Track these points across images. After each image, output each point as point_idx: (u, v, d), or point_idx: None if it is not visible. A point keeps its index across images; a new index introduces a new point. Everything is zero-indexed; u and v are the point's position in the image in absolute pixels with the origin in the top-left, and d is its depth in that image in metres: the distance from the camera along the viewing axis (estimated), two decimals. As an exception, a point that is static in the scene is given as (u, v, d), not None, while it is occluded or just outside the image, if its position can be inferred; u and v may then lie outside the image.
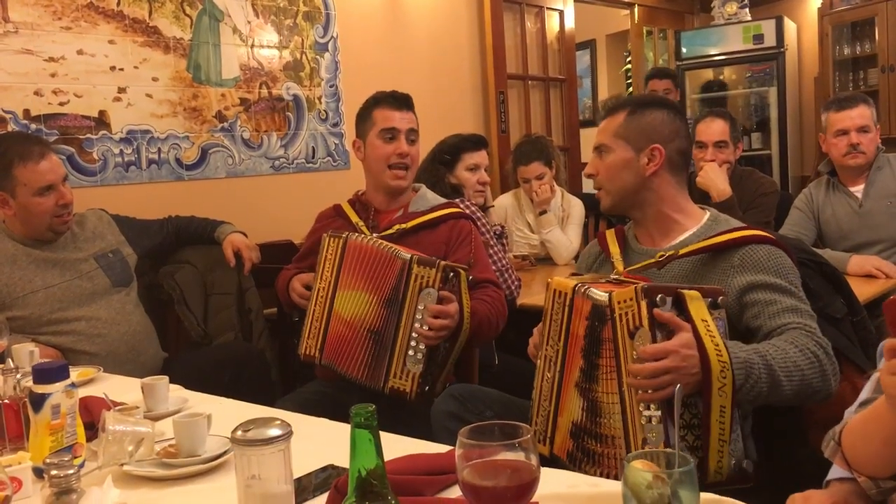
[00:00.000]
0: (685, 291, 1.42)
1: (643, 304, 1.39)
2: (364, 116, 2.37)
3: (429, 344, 1.96)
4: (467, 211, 2.50)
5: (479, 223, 2.57)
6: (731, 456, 1.38)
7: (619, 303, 1.44)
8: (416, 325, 1.96)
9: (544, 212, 3.44)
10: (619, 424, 1.45)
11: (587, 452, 1.52)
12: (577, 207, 3.57)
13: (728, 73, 6.24)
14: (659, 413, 1.37)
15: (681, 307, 1.41)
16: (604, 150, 1.77)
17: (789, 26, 5.90)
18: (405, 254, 2.01)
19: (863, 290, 2.27)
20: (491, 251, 2.62)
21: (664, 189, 1.73)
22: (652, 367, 1.36)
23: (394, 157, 2.29)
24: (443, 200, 2.43)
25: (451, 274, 1.98)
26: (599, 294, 1.51)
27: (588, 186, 4.97)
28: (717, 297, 1.44)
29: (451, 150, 3.06)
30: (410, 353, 1.97)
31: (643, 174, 1.72)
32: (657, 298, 1.39)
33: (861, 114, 2.87)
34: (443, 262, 1.98)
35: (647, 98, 1.87)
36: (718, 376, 1.36)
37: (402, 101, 2.34)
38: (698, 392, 1.38)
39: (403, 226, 2.24)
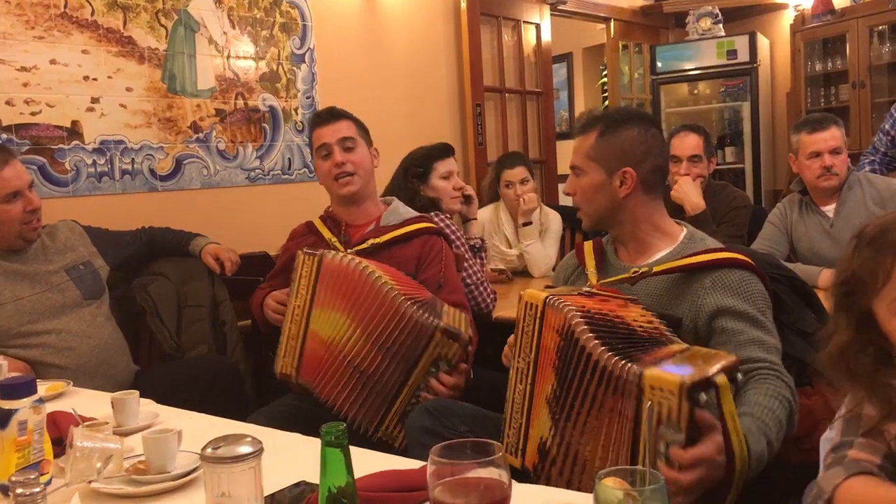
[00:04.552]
0: (719, 381, 1.30)
1: (686, 404, 1.27)
2: (309, 141, 2.45)
3: None
4: (441, 225, 2.50)
5: (452, 237, 2.57)
6: None
7: (652, 387, 1.31)
8: (423, 388, 1.95)
9: (529, 223, 3.45)
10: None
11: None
12: (554, 221, 3.59)
13: (702, 88, 6.32)
14: None
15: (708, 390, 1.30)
16: (578, 171, 1.77)
17: (762, 42, 5.98)
18: (434, 320, 1.92)
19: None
20: (466, 264, 2.63)
21: (639, 210, 1.73)
22: (689, 479, 1.26)
23: (333, 170, 2.32)
24: (415, 214, 2.43)
25: (470, 347, 1.97)
26: (626, 364, 1.36)
27: (565, 199, 5.00)
28: (736, 372, 1.36)
29: (422, 162, 3.05)
30: (409, 410, 1.94)
31: (616, 197, 1.72)
32: (701, 399, 1.28)
33: (833, 135, 2.90)
34: (465, 336, 1.93)
35: (619, 114, 1.80)
36: (739, 475, 1.32)
37: (327, 116, 2.39)
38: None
39: (377, 240, 2.23)
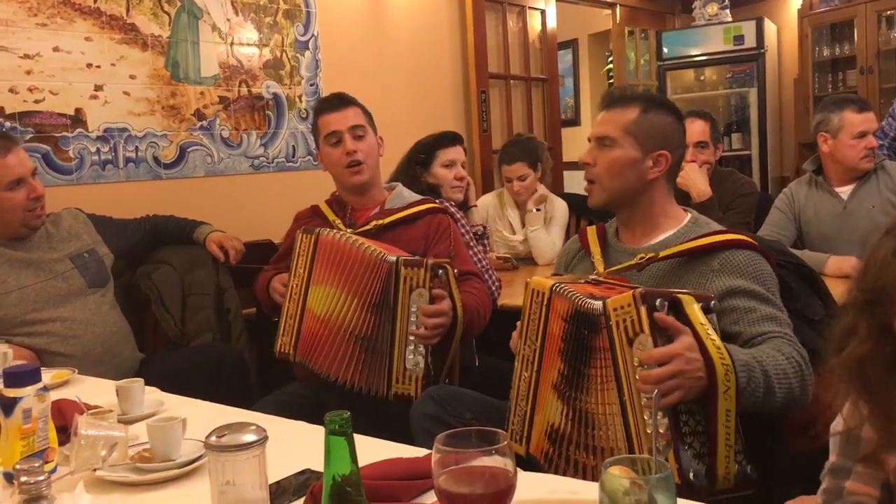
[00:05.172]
0: (681, 296, 1.39)
1: (642, 309, 1.36)
2: (313, 128, 2.41)
3: (427, 344, 1.95)
4: (445, 205, 2.50)
5: (458, 223, 2.56)
6: (736, 462, 1.36)
7: (614, 310, 1.41)
8: (412, 327, 1.95)
9: (540, 209, 3.45)
10: (620, 436, 1.41)
11: (574, 463, 1.50)
12: (560, 209, 3.57)
13: (709, 74, 6.28)
14: (666, 421, 1.34)
15: (678, 311, 1.39)
16: (609, 142, 1.70)
17: (769, 27, 5.94)
18: (390, 256, 1.99)
19: (840, 292, 2.26)
20: (470, 252, 2.62)
21: (658, 194, 1.72)
22: (658, 372, 1.33)
23: (344, 158, 2.29)
24: (419, 197, 2.43)
25: (440, 271, 1.97)
26: (591, 301, 1.46)
27: (570, 187, 4.98)
28: (709, 302, 1.42)
29: (426, 149, 3.06)
30: (410, 356, 1.96)
31: (645, 178, 1.69)
32: (656, 303, 1.36)
33: (875, 117, 2.89)
34: (430, 261, 1.96)
35: (656, 98, 1.80)
36: (723, 379, 1.34)
37: (336, 102, 2.35)
38: (702, 398, 1.36)
39: (380, 222, 2.24)
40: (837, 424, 1.09)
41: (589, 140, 1.77)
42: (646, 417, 1.36)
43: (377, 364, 1.99)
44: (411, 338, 1.95)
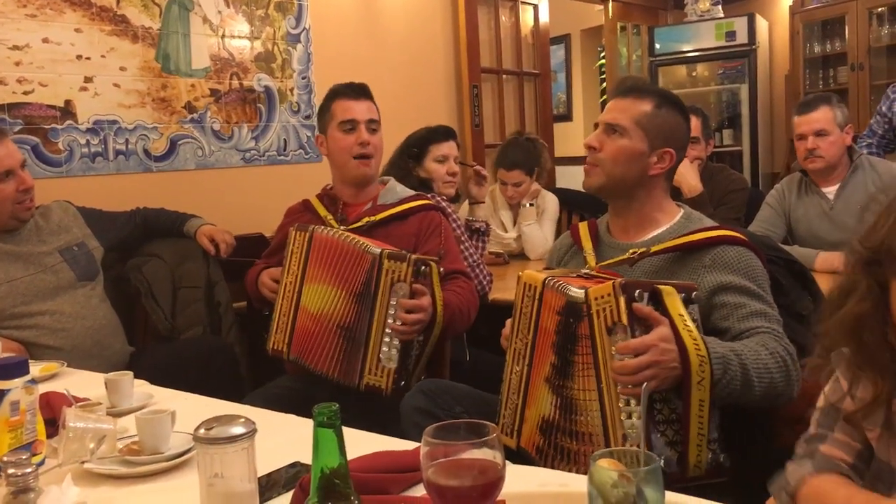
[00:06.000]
0: (661, 287, 1.42)
1: (621, 299, 1.39)
2: (324, 111, 2.38)
3: (403, 339, 1.95)
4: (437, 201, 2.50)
5: (449, 218, 2.56)
6: (709, 450, 1.40)
7: (595, 299, 1.44)
8: (389, 320, 1.95)
9: (533, 203, 3.45)
10: (597, 421, 1.44)
11: (560, 449, 1.52)
12: (551, 203, 3.58)
13: (700, 70, 6.29)
14: (639, 409, 1.38)
15: (657, 302, 1.42)
16: (619, 130, 1.70)
17: (761, 24, 5.95)
18: (375, 248, 1.99)
19: (830, 287, 2.28)
20: (462, 246, 2.62)
21: (656, 191, 1.73)
22: (632, 363, 1.36)
23: (356, 147, 2.28)
24: (412, 192, 2.42)
25: (423, 267, 1.97)
26: (574, 290, 1.49)
27: (562, 182, 4.98)
28: (691, 293, 1.46)
29: (419, 143, 3.05)
30: (384, 348, 1.96)
31: (646, 172, 1.70)
32: (635, 294, 1.39)
33: (821, 117, 2.85)
34: (414, 256, 1.96)
35: (671, 96, 1.79)
36: (697, 370, 1.37)
37: (359, 91, 2.34)
38: (677, 387, 1.39)
39: (372, 218, 2.23)
40: (819, 401, 1.10)
41: (596, 125, 1.76)
42: (620, 405, 1.40)
43: (353, 354, 2.00)
44: (388, 331, 1.96)
